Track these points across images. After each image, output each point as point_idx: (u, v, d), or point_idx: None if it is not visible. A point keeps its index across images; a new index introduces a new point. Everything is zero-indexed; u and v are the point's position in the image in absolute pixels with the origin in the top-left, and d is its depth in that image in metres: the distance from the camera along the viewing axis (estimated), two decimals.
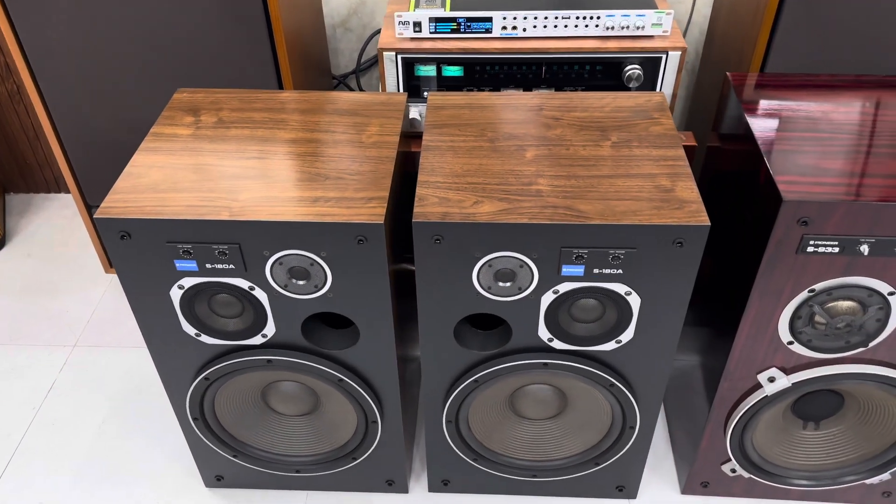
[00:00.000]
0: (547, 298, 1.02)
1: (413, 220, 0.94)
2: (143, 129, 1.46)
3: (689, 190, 0.98)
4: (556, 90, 1.33)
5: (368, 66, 1.82)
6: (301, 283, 1.01)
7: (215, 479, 1.36)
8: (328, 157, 1.06)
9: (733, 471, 1.29)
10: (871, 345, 1.07)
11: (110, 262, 1.77)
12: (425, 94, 1.34)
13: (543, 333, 1.07)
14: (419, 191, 0.99)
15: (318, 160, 1.05)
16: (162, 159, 1.05)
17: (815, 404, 1.21)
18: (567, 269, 0.98)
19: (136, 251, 0.98)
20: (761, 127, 1.05)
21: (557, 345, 1.08)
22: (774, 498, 1.35)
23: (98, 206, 1.64)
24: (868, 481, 1.26)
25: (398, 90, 1.34)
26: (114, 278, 1.85)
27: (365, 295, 1.02)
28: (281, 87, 1.39)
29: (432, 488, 1.36)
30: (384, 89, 1.36)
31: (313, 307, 1.04)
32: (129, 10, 1.29)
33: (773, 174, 0.96)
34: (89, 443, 1.47)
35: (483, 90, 1.33)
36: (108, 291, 1.82)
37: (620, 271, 0.98)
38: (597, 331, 1.07)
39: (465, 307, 1.04)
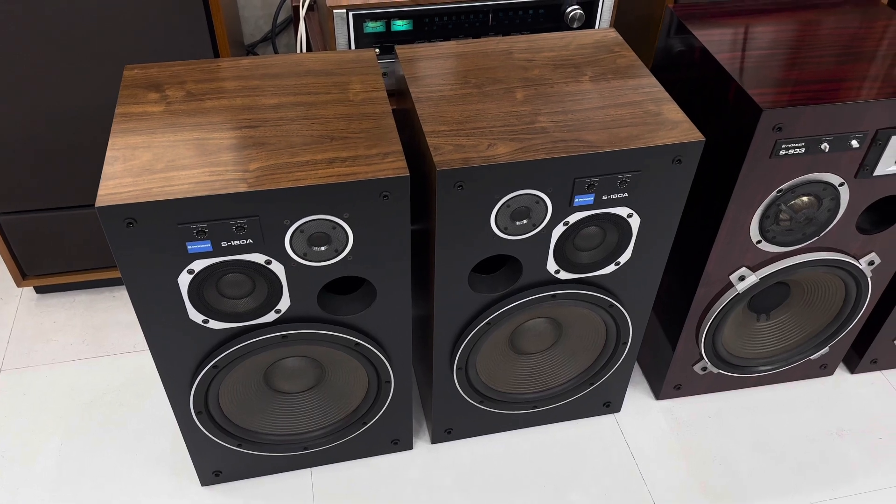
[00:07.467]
0: (557, 231, 1.07)
1: (437, 169, 0.95)
2: (52, 118, 1.32)
3: (675, 112, 1.06)
4: (503, 36, 1.35)
5: (279, 30, 1.75)
6: (321, 249, 0.98)
7: (213, 475, 1.29)
8: (323, 118, 1.02)
9: (704, 369, 1.43)
10: (821, 234, 1.22)
11: (22, 274, 1.59)
12: (376, 50, 1.32)
13: (551, 266, 1.12)
14: (431, 140, 0.99)
15: (313, 123, 1.01)
16: (144, 139, 0.97)
17: (767, 298, 1.37)
18: (579, 200, 1.03)
19: (141, 238, 0.91)
20: (719, 50, 1.15)
21: (563, 275, 1.14)
22: (732, 388, 1.51)
23: (3, 214, 1.47)
24: (813, 357, 1.45)
25: (349, 49, 1.31)
26: (26, 292, 1.67)
27: (384, 252, 1.02)
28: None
29: (436, 439, 1.39)
30: (323, 48, 1.32)
31: (331, 273, 1.02)
32: None
33: (745, 89, 1.06)
34: (54, 470, 1.34)
35: (433, 42, 1.33)
36: (23, 305, 1.64)
37: (626, 194, 1.04)
38: (599, 256, 1.14)
39: (481, 251, 1.06)
